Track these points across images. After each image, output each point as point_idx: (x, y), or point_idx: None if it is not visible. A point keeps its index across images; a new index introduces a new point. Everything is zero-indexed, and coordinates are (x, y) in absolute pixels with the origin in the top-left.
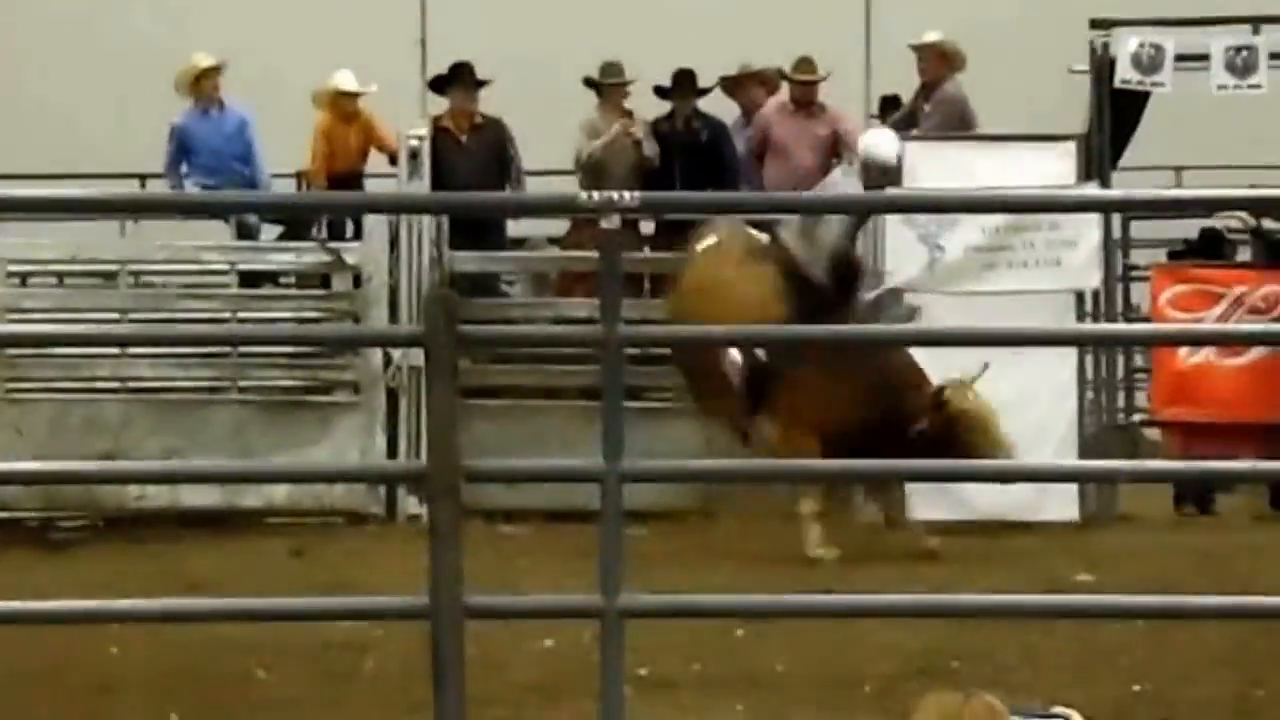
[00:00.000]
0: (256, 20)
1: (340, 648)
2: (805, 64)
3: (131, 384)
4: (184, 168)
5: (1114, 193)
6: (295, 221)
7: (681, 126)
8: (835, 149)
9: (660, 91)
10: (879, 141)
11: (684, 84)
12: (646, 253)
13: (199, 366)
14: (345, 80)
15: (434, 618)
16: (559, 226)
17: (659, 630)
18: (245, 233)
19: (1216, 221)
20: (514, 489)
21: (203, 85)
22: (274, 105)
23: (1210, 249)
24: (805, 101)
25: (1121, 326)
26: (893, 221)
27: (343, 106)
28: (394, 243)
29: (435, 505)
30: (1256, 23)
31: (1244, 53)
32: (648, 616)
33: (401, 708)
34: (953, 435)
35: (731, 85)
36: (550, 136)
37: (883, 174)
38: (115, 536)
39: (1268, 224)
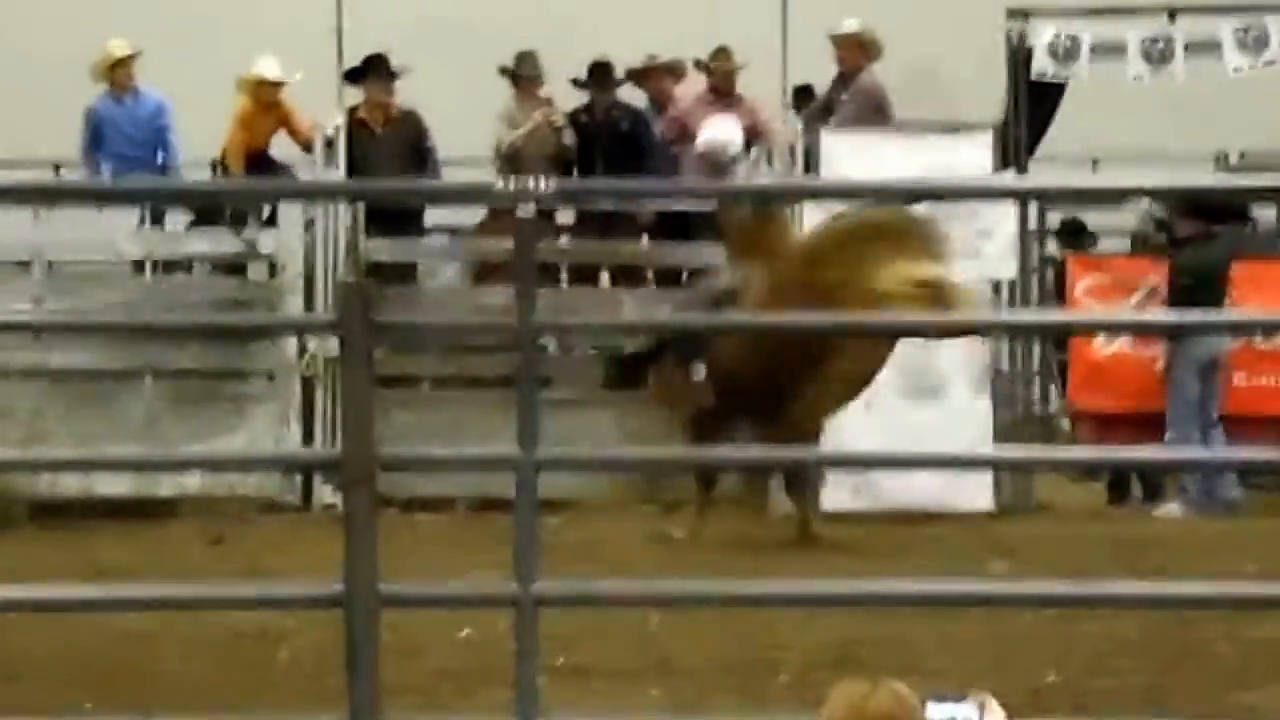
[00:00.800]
0: (172, 7)
1: (254, 637)
2: (723, 54)
3: (44, 371)
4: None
5: (1028, 181)
6: (207, 209)
7: (601, 117)
8: (754, 139)
9: (578, 83)
10: (715, 132)
11: (601, 75)
12: (564, 242)
13: (112, 354)
14: (269, 69)
15: (348, 606)
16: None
17: (574, 619)
18: (156, 218)
19: (1125, 211)
20: (430, 478)
21: (117, 73)
22: (188, 93)
23: (1074, 239)
24: (724, 91)
25: (1031, 315)
26: (810, 210)
27: (265, 95)
28: (309, 231)
29: (350, 494)
30: (1172, 12)
31: (1160, 43)
32: (562, 604)
33: (316, 697)
34: None
35: (639, 76)
36: (468, 126)
37: (727, 161)
38: (27, 524)
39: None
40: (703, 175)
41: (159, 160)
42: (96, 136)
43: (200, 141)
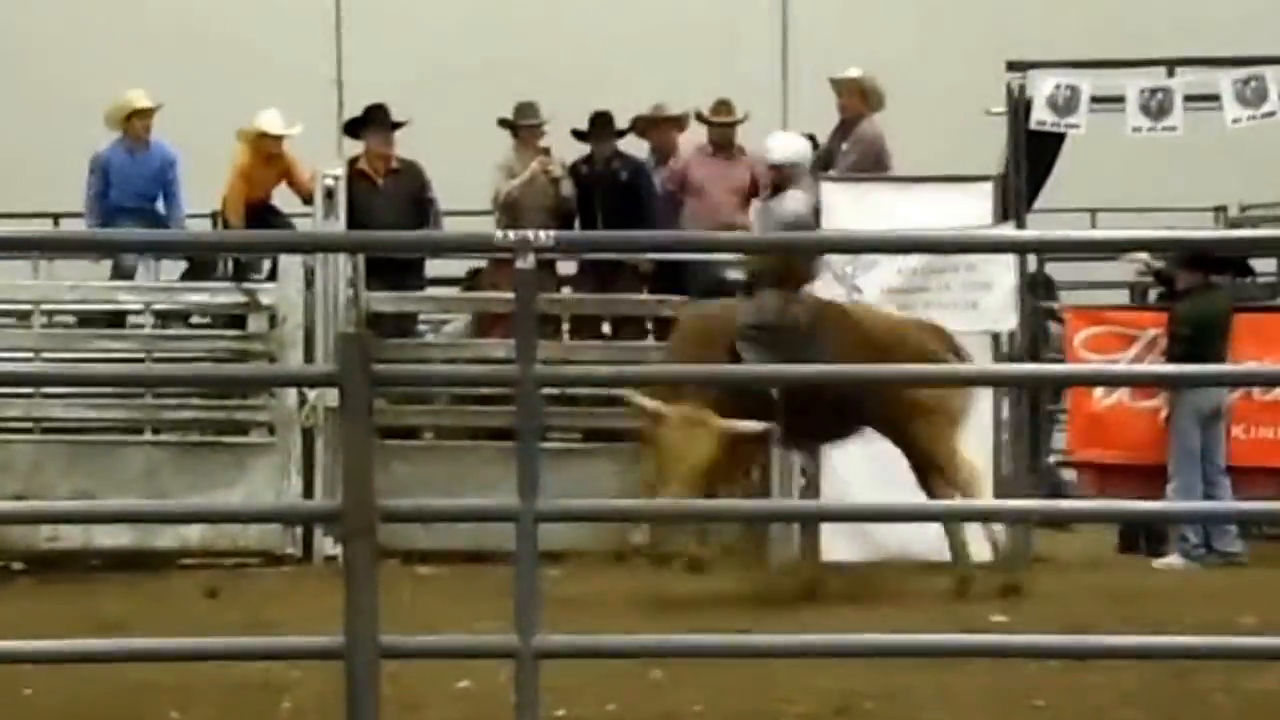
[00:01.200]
0: (173, 59)
1: (256, 689)
2: (723, 106)
3: (44, 424)
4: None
5: (1028, 234)
6: (204, 260)
7: (601, 168)
8: (754, 191)
9: (578, 134)
10: (773, 144)
11: (601, 126)
12: (564, 293)
13: (112, 407)
14: (271, 122)
15: (349, 658)
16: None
17: (575, 670)
18: (121, 273)
19: (1125, 264)
20: (430, 529)
21: (134, 123)
22: (189, 145)
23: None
24: (723, 144)
25: (1032, 367)
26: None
27: (266, 148)
28: (310, 283)
29: (351, 546)
30: (1171, 65)
31: (1159, 95)
32: (562, 657)
33: None
34: None
35: (644, 126)
36: (468, 176)
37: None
38: (28, 577)
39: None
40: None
41: (159, 212)
42: (104, 185)
43: (200, 192)
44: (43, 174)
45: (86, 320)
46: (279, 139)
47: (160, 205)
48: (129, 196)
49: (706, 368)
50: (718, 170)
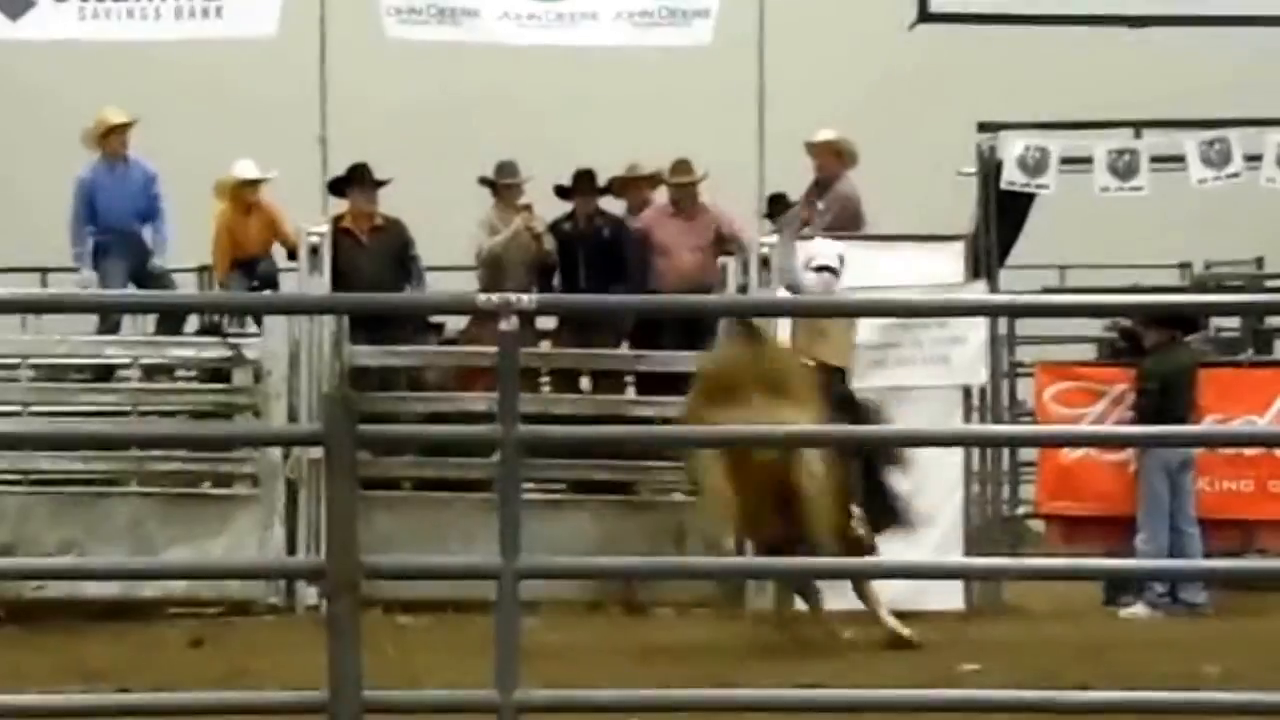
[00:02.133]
0: (158, 117)
1: None
2: (681, 166)
3: (32, 476)
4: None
5: (1002, 297)
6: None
7: (583, 225)
8: (722, 248)
9: (560, 191)
10: (825, 251)
11: (584, 183)
12: (544, 348)
13: (99, 459)
14: (245, 169)
15: (333, 713)
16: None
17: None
18: (107, 323)
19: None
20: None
21: (111, 140)
22: (174, 200)
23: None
24: (684, 202)
25: (1002, 428)
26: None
27: (244, 196)
28: (294, 336)
29: (334, 603)
30: (1138, 127)
31: (1126, 156)
32: (543, 711)
33: None
34: None
35: (620, 186)
36: (450, 233)
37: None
38: (14, 626)
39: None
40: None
41: (143, 232)
42: (89, 207)
43: (185, 250)
44: (31, 227)
45: (75, 371)
46: (255, 185)
47: (145, 228)
48: (114, 216)
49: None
50: (680, 229)
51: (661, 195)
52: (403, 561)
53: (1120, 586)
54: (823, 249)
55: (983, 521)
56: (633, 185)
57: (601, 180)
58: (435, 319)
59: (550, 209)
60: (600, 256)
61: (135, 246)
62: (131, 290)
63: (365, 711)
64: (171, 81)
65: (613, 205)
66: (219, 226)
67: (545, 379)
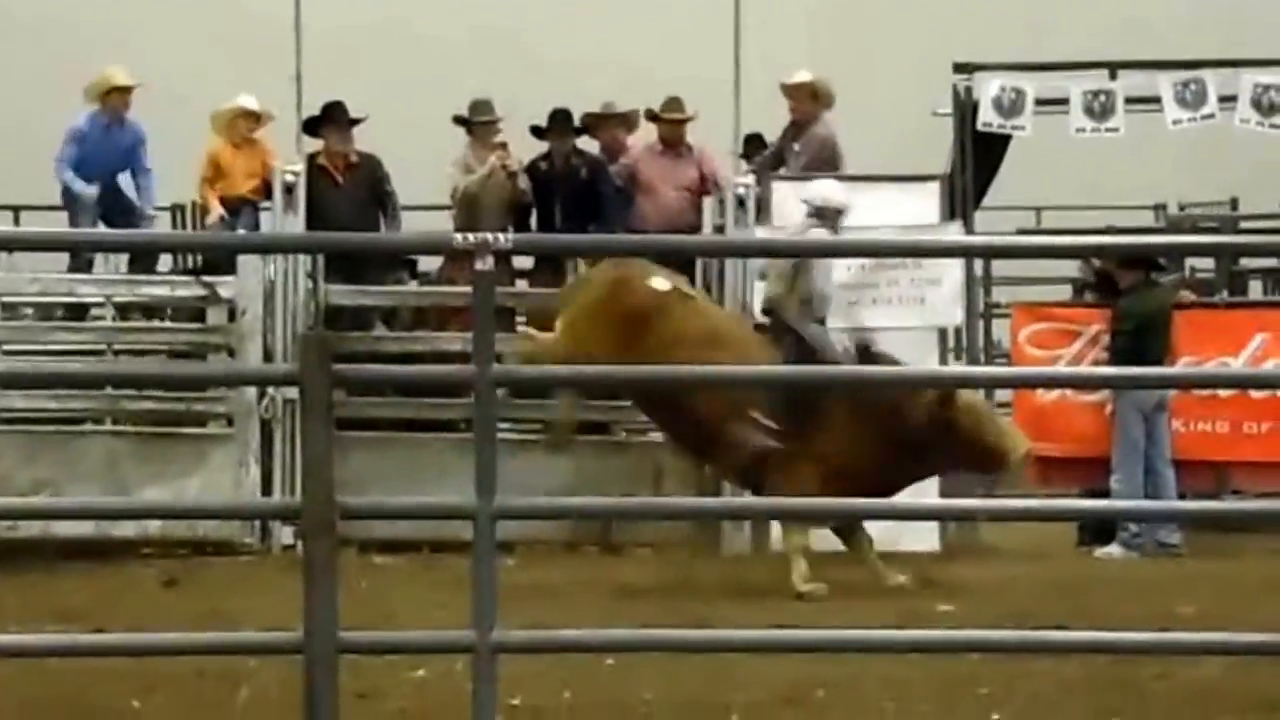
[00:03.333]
0: (132, 56)
1: (215, 677)
2: (673, 104)
3: (4, 415)
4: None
5: (977, 239)
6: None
7: (560, 165)
8: (704, 189)
9: (537, 131)
10: (833, 188)
11: (560, 123)
12: (521, 286)
13: (73, 398)
14: (248, 101)
15: (308, 653)
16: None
17: (530, 659)
18: (78, 262)
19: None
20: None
21: (113, 99)
22: (153, 143)
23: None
24: (673, 141)
25: (977, 369)
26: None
27: (242, 129)
28: (269, 275)
29: (310, 543)
30: (1113, 68)
31: (1101, 97)
32: (519, 651)
33: None
34: (956, 434)
35: (593, 124)
36: (425, 172)
37: (837, 215)
38: None
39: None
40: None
41: (124, 189)
42: (77, 157)
43: (163, 187)
44: (3, 166)
45: (47, 312)
46: (256, 118)
47: (124, 181)
48: (95, 171)
49: (666, 369)
50: (667, 168)
51: (635, 137)
52: (378, 502)
53: (1095, 532)
54: (830, 192)
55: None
56: (607, 124)
57: (575, 120)
58: (412, 258)
59: (528, 151)
60: (577, 197)
61: (109, 200)
62: (104, 229)
63: (340, 652)
64: (149, 19)
65: (590, 147)
66: (207, 159)
67: (522, 319)
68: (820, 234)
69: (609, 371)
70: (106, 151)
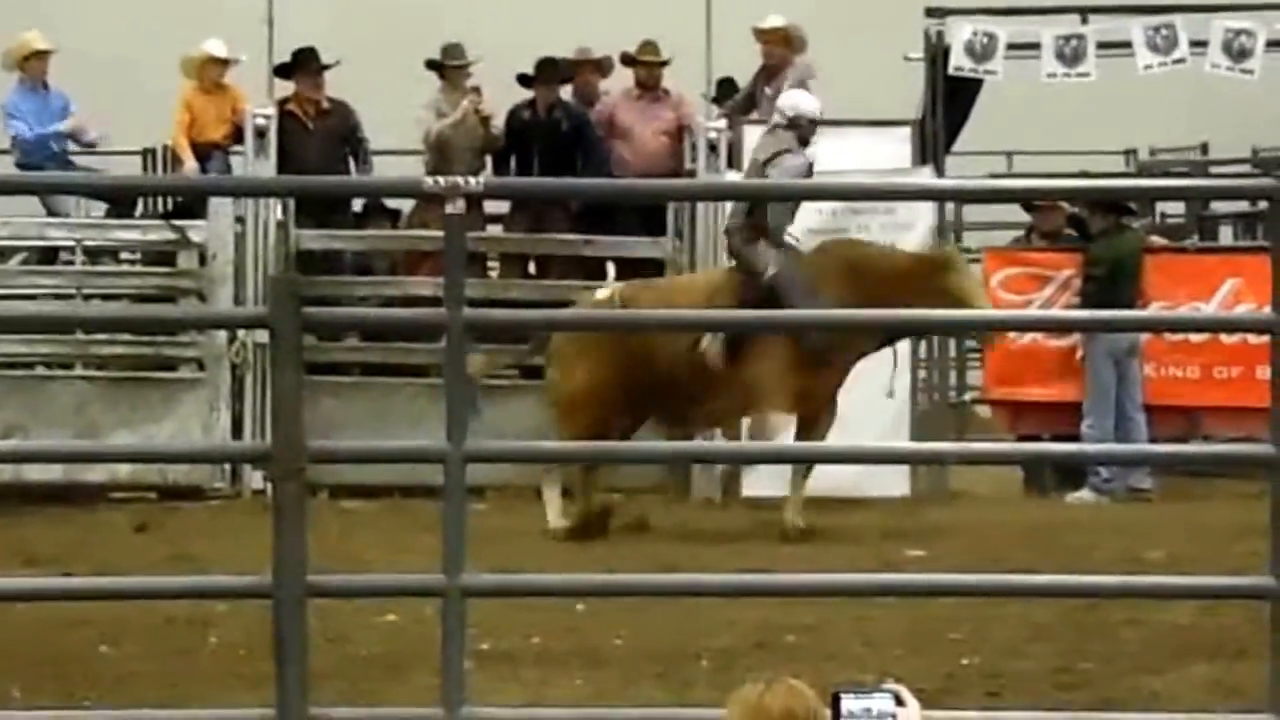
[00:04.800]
0: (102, 2)
1: (184, 623)
2: (649, 47)
3: None
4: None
5: (949, 182)
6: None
7: (543, 114)
8: (680, 134)
9: (523, 79)
10: (805, 98)
11: (547, 72)
12: (491, 231)
13: (42, 342)
14: (215, 47)
15: (277, 597)
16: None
17: (500, 605)
18: (52, 212)
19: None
20: (358, 465)
21: (32, 64)
22: (120, 86)
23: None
24: (650, 85)
25: (948, 312)
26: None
27: (211, 74)
28: (240, 220)
29: (279, 487)
30: (1085, 13)
31: (1073, 42)
32: (489, 595)
33: (244, 682)
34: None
35: (567, 70)
36: (397, 116)
37: (810, 126)
38: None
39: None
40: (780, 142)
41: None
42: (26, 124)
43: (131, 135)
44: None
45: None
46: (224, 64)
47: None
48: (33, 143)
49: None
50: (644, 112)
51: (609, 82)
52: (349, 445)
53: (1068, 473)
54: (801, 101)
55: (929, 407)
56: (580, 69)
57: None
58: (389, 204)
59: (509, 97)
60: (557, 147)
61: (60, 166)
62: (74, 174)
63: (309, 596)
64: None
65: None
66: (180, 103)
67: (495, 264)
68: (792, 145)
69: (579, 316)
70: (43, 116)
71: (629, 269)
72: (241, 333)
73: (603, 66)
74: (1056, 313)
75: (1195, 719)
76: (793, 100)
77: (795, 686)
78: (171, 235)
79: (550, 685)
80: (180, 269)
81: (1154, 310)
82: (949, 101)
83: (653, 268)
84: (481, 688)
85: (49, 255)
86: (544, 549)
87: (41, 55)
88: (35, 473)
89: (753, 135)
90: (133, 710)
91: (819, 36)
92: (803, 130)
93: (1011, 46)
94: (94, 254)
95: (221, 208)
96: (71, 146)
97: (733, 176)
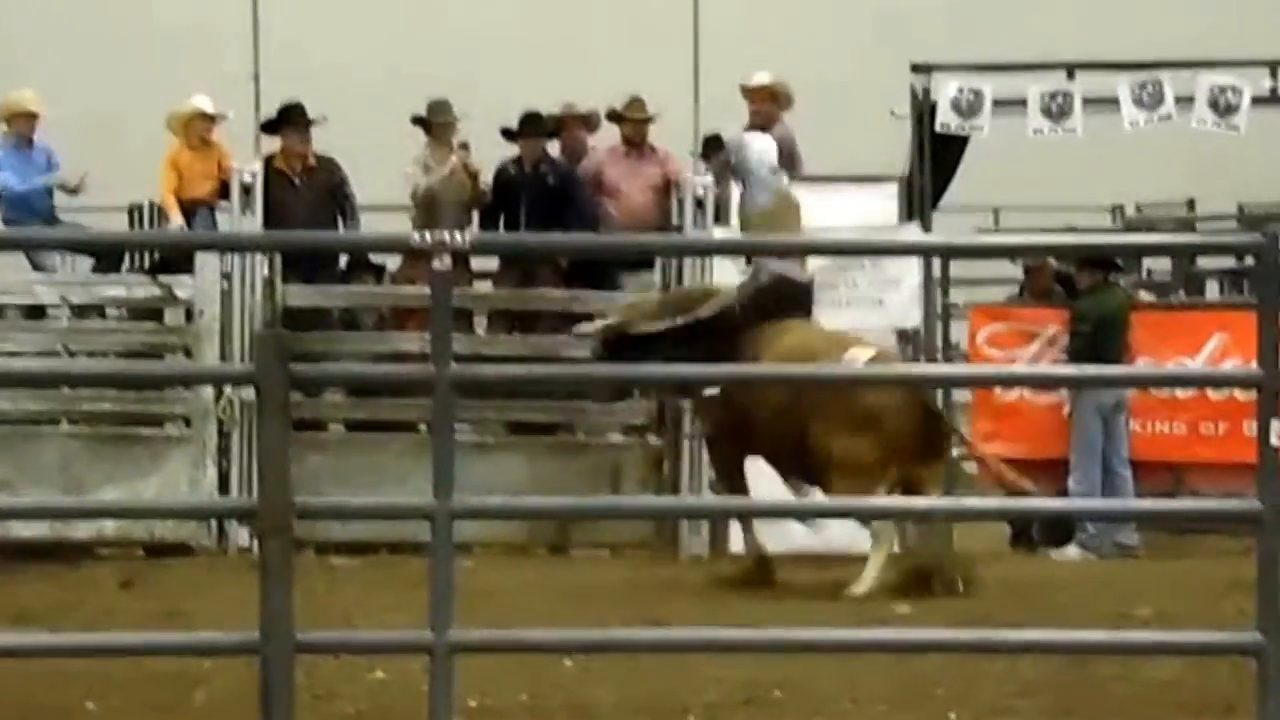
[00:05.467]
0: (90, 58)
1: (170, 679)
2: (637, 104)
3: None
4: None
5: (936, 238)
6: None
7: (529, 169)
8: (667, 189)
9: (508, 134)
10: (766, 145)
11: (531, 125)
12: (479, 288)
13: (28, 398)
14: (203, 102)
15: (264, 653)
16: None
17: (489, 660)
18: (38, 268)
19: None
20: (345, 521)
21: (21, 123)
22: (110, 143)
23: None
24: (636, 141)
25: (936, 368)
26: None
27: (198, 130)
28: (226, 276)
29: (266, 543)
30: (1071, 69)
31: (1059, 98)
32: (476, 651)
33: None
34: None
35: (554, 126)
36: (384, 172)
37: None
38: None
39: None
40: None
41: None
42: (9, 178)
43: (120, 192)
44: None
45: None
46: (211, 120)
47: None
48: (18, 198)
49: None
50: (631, 169)
51: (596, 138)
52: (336, 502)
53: (1054, 530)
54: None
55: None
56: (567, 124)
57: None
58: (375, 260)
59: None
60: (545, 202)
61: (45, 223)
62: (61, 229)
63: (297, 652)
64: (103, 17)
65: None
66: (167, 161)
67: (482, 321)
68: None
69: (567, 372)
70: (28, 173)
71: None
72: (228, 389)
73: (590, 122)
74: (1043, 369)
75: None
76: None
77: None
78: (158, 291)
79: None
80: (166, 325)
81: (1140, 366)
82: (935, 157)
83: None
84: None
85: (35, 311)
86: (531, 605)
87: (33, 116)
88: (21, 529)
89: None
90: None
91: (805, 93)
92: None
93: (998, 102)
94: (80, 310)
95: (208, 264)
96: (59, 200)
97: (720, 233)
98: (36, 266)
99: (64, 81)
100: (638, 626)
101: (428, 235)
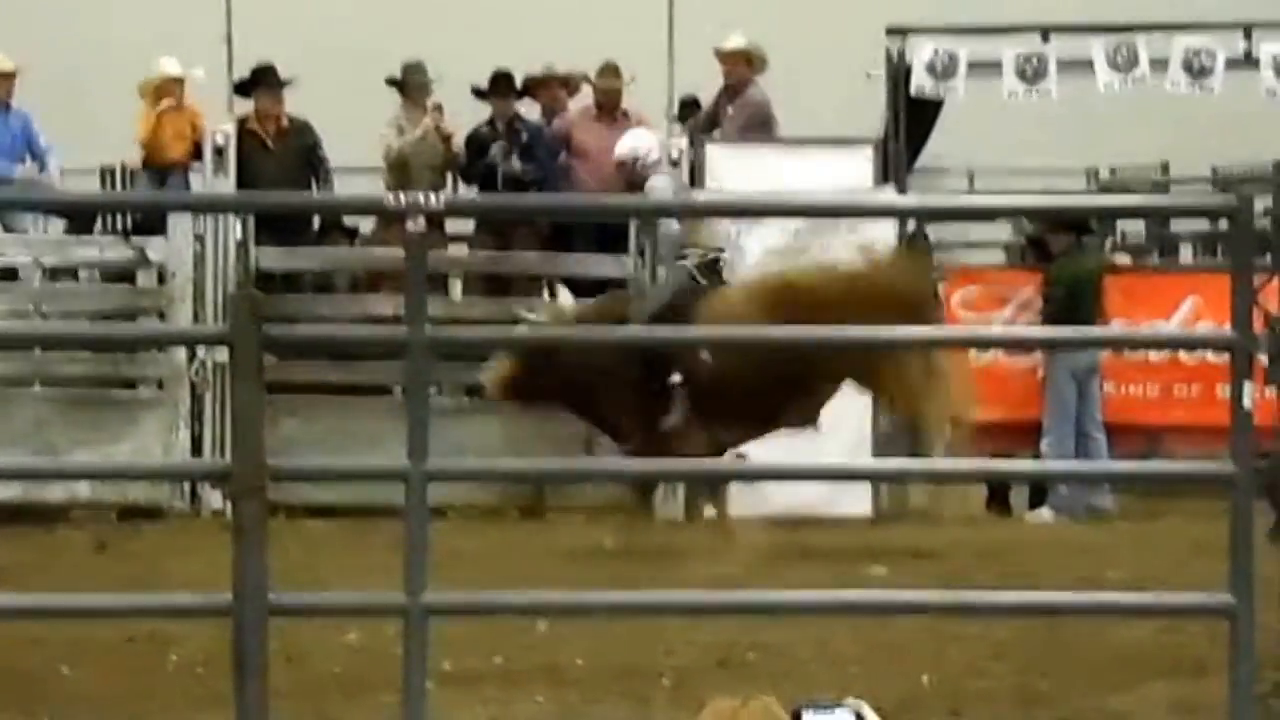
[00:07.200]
0: (60, 20)
1: (144, 641)
2: (610, 70)
3: None
4: None
5: (909, 200)
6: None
7: (502, 129)
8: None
9: (478, 93)
10: (634, 142)
11: (501, 85)
12: (453, 250)
13: (0, 360)
14: (170, 65)
15: (237, 616)
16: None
17: (462, 623)
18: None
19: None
20: (319, 485)
21: None
22: (77, 104)
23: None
24: (609, 106)
25: (909, 331)
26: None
27: (168, 93)
28: (199, 238)
29: (240, 505)
30: (1046, 31)
31: (1034, 60)
32: (451, 614)
33: (205, 700)
34: None
35: (534, 86)
36: (357, 133)
37: (643, 171)
38: None
39: None
40: (621, 184)
41: (38, 169)
42: None
43: (88, 154)
44: None
45: None
46: (179, 82)
47: (20, 169)
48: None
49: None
50: (602, 133)
51: (575, 100)
52: (309, 464)
53: (1031, 492)
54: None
55: (891, 426)
56: (546, 85)
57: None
58: (348, 223)
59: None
60: (518, 162)
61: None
62: (32, 191)
63: (270, 614)
64: None
65: (528, 109)
66: (141, 127)
67: (458, 285)
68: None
69: (541, 335)
70: (5, 138)
71: (590, 288)
72: (201, 351)
73: (570, 83)
74: (1017, 331)
75: None
76: (624, 145)
77: (769, 705)
78: (130, 253)
79: (512, 704)
80: (139, 287)
81: (1114, 329)
82: (910, 120)
83: (613, 287)
84: (443, 707)
85: (7, 273)
86: (506, 568)
87: (7, 77)
88: None
89: (715, 154)
90: None
91: (780, 56)
92: (636, 173)
93: (973, 65)
94: (53, 272)
95: (181, 225)
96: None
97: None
98: (9, 229)
99: (33, 41)
100: (611, 590)
101: (401, 197)
